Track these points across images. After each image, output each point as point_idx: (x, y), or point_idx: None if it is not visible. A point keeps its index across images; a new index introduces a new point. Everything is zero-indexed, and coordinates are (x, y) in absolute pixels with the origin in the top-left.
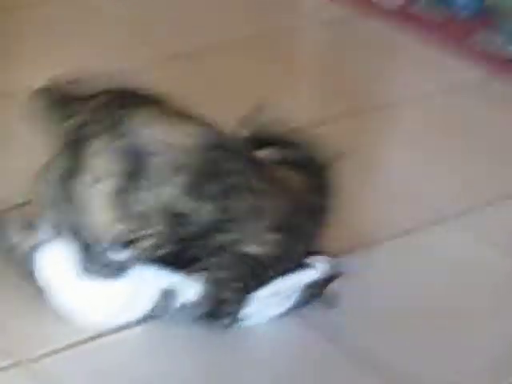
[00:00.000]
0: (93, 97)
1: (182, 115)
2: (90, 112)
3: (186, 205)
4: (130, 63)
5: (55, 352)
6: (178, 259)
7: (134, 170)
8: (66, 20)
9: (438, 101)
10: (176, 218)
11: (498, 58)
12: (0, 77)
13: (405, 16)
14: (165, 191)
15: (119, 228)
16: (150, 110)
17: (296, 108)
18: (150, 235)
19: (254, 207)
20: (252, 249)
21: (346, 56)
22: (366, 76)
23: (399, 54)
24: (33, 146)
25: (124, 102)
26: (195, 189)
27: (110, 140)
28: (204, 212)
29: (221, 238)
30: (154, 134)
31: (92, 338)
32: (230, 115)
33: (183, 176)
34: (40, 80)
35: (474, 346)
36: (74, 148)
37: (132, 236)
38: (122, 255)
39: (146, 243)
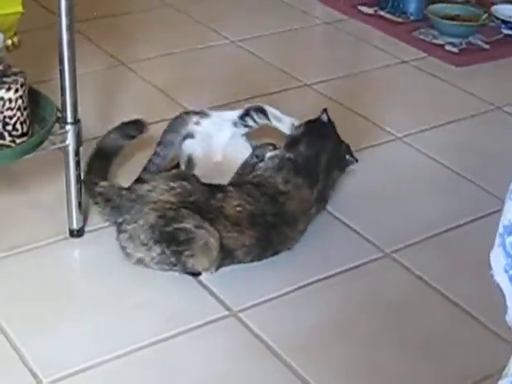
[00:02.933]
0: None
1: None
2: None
3: None
4: None
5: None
6: None
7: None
8: None
9: (395, 70)
10: None
11: (432, 44)
12: None
13: (377, 18)
14: None
15: None
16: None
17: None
18: None
19: None
20: None
21: (335, 45)
22: (347, 58)
23: (373, 42)
24: None
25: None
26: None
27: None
28: None
29: None
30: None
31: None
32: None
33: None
34: None
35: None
36: None
37: None
38: None
39: None
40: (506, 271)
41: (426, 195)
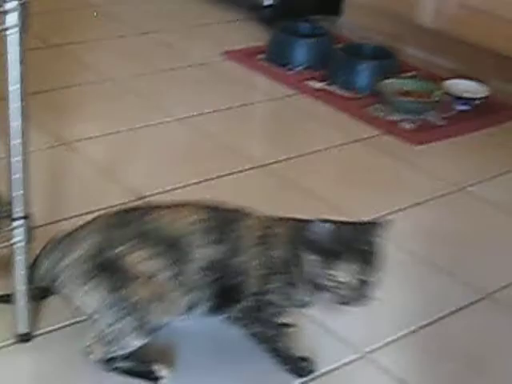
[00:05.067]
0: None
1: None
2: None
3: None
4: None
5: None
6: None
7: None
8: None
9: (350, 148)
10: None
11: (384, 121)
12: None
13: (326, 93)
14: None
15: None
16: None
17: None
18: None
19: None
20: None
21: (286, 121)
22: (299, 136)
23: (324, 118)
24: None
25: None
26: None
27: None
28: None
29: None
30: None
31: None
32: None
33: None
34: None
35: None
36: None
37: None
38: None
39: None
40: None
41: (397, 289)
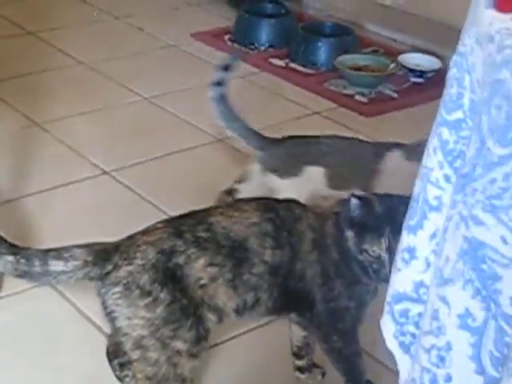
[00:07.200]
0: None
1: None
2: None
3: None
4: None
5: None
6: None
7: None
8: None
9: (306, 121)
10: None
11: (340, 95)
12: None
13: (288, 70)
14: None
15: None
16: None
17: None
18: None
19: None
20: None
21: (248, 99)
22: (261, 111)
23: (285, 94)
24: None
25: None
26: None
27: None
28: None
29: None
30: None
31: None
32: None
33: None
34: None
35: None
36: None
37: None
38: None
39: None
40: (396, 337)
41: None
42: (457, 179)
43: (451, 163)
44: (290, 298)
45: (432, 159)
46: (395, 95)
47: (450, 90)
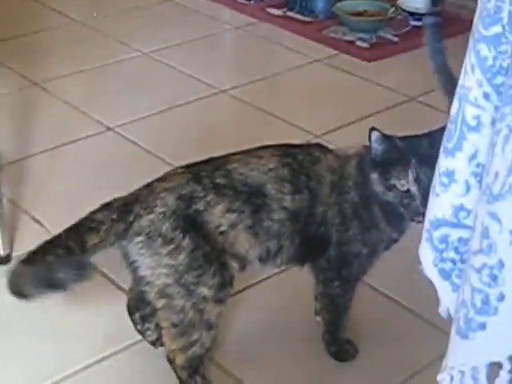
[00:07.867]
0: None
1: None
2: None
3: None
4: None
5: None
6: None
7: None
8: None
9: (308, 69)
10: None
11: (341, 41)
12: None
13: (286, 19)
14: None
15: None
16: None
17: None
18: None
19: None
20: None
21: (247, 49)
22: (260, 61)
23: (284, 43)
24: None
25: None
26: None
27: None
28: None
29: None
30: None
31: None
32: None
33: None
34: None
35: None
36: None
37: None
38: None
39: None
40: (435, 265)
41: None
42: (505, 91)
43: (490, 80)
44: (311, 245)
45: (470, 78)
46: (396, 39)
47: (487, 5)
